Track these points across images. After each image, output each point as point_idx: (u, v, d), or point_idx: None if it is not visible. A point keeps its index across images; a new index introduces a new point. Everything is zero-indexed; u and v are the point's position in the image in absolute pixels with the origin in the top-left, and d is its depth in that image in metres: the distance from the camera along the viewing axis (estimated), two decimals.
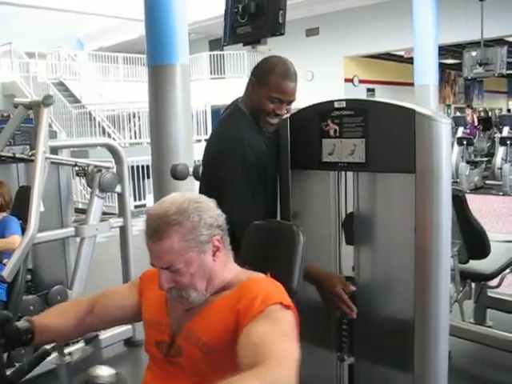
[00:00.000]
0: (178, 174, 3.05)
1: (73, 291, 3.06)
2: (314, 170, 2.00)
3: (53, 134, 3.54)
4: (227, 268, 1.38)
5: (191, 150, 4.67)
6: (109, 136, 10.76)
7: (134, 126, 11.93)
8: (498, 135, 10.45)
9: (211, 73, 15.50)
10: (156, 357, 1.39)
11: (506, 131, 9.99)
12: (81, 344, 1.92)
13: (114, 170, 3.36)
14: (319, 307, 1.92)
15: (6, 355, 1.92)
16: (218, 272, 1.35)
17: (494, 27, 10.71)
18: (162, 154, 4.47)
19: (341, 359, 1.99)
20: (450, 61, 16.77)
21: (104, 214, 3.47)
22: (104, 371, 1.05)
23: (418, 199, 1.72)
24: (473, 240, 2.80)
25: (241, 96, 2.07)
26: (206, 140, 3.19)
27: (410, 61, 11.38)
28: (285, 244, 1.61)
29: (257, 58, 2.08)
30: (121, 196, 3.47)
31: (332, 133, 1.91)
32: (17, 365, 1.46)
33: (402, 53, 14.46)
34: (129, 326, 3.37)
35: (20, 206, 3.19)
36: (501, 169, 9.45)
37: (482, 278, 3.04)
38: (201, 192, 1.95)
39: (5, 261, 2.71)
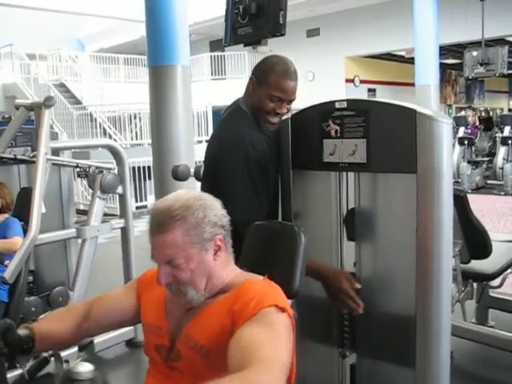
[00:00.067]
0: (179, 175, 3.06)
1: (74, 292, 3.06)
2: (315, 171, 2.00)
3: (54, 136, 3.55)
4: (227, 270, 1.37)
5: (192, 150, 4.67)
6: (110, 137, 10.75)
7: (135, 127, 11.93)
8: (499, 135, 10.43)
9: (212, 74, 15.53)
10: (156, 361, 1.39)
11: (507, 131, 9.97)
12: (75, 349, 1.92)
13: (116, 171, 3.36)
14: (321, 303, 1.93)
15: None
16: (217, 272, 1.34)
17: (495, 27, 10.71)
18: (163, 155, 4.47)
19: (342, 355, 2.00)
20: (450, 61, 16.76)
21: (105, 215, 3.48)
22: (84, 367, 1.05)
23: (419, 199, 1.72)
24: (474, 240, 2.80)
25: (241, 96, 2.08)
26: (206, 141, 3.19)
27: (411, 61, 11.38)
28: (286, 245, 1.61)
29: (257, 58, 2.09)
30: (122, 197, 3.47)
31: (333, 133, 1.91)
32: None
33: (402, 53, 14.46)
34: (130, 327, 3.37)
35: (21, 208, 3.19)
36: (502, 168, 9.44)
37: (484, 278, 3.04)
38: None
39: (6, 262, 2.72)
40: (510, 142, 9.47)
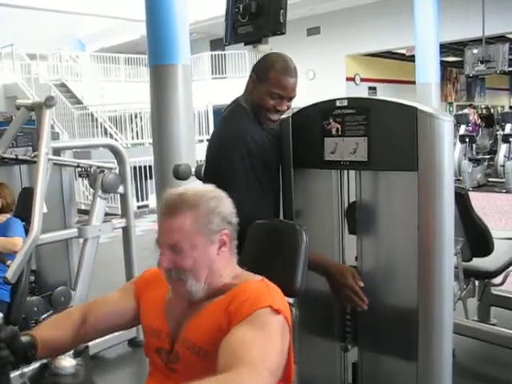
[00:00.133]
0: (180, 174, 3.06)
1: (76, 292, 3.07)
2: (317, 169, 2.01)
3: (55, 136, 3.55)
4: (228, 269, 1.37)
5: (193, 150, 4.67)
6: (111, 137, 10.75)
7: (136, 126, 11.93)
8: (500, 132, 10.42)
9: (213, 73, 15.52)
10: (157, 363, 1.38)
11: (508, 128, 9.95)
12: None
13: (117, 171, 3.36)
14: (322, 298, 1.94)
15: None
16: (218, 268, 1.33)
17: (495, 24, 10.69)
18: (164, 155, 4.46)
19: (344, 349, 2.00)
20: (451, 58, 16.71)
21: (107, 214, 3.48)
22: (66, 362, 1.05)
23: (420, 197, 1.72)
24: (476, 238, 2.80)
25: (242, 94, 2.08)
26: (207, 140, 3.19)
27: (412, 59, 11.35)
28: (288, 243, 1.61)
29: (258, 57, 2.09)
30: (123, 197, 3.47)
31: (334, 131, 1.91)
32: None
33: (403, 51, 14.42)
34: None
35: (23, 208, 3.19)
36: (503, 166, 9.43)
37: (486, 276, 3.03)
38: None
39: (8, 262, 2.72)
40: (511, 139, 9.46)
